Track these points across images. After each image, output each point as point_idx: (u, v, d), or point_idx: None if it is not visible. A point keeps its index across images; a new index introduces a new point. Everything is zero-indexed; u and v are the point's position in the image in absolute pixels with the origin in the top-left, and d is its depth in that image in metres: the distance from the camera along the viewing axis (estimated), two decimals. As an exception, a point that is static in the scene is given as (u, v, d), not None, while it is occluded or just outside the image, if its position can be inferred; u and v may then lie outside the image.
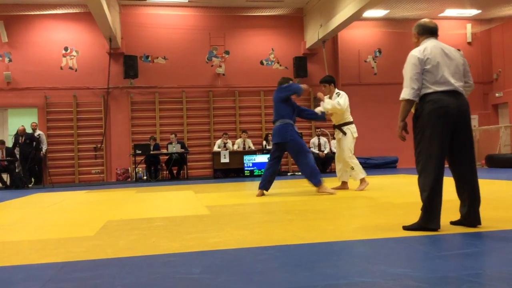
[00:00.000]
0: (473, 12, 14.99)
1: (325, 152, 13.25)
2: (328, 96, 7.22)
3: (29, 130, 12.52)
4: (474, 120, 15.92)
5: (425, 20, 3.74)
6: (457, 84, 3.42)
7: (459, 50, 3.62)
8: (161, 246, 3.24)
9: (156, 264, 2.73)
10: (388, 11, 14.37)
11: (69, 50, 13.67)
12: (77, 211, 5.96)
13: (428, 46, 3.50)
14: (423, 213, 3.43)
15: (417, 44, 3.65)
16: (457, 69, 3.47)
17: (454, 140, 3.43)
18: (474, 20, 15.82)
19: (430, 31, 3.63)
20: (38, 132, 12.61)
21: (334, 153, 8.97)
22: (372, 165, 14.43)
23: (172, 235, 3.66)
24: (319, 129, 13.71)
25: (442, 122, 3.35)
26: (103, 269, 2.66)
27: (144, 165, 13.11)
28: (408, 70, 3.46)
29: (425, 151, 3.41)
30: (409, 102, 3.47)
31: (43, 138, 12.72)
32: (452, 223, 3.61)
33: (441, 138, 3.36)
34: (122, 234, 3.81)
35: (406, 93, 3.45)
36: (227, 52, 14.50)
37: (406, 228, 3.48)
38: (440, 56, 3.44)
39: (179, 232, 3.81)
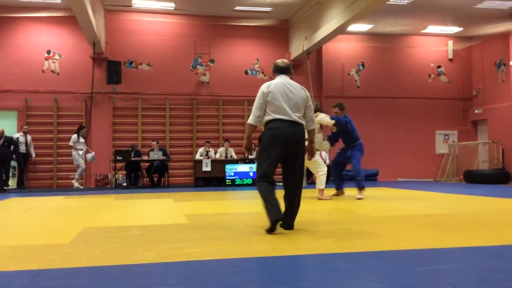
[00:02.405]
0: (454, 29, 15.29)
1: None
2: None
3: (12, 133, 12.40)
4: (453, 136, 16.18)
5: (278, 60, 4.50)
6: (294, 115, 4.16)
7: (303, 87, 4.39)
8: (137, 256, 3.21)
9: (131, 274, 2.69)
10: (372, 25, 14.58)
11: (51, 54, 13.53)
12: (54, 217, 5.88)
13: (274, 82, 4.30)
14: (265, 210, 4.11)
15: (273, 79, 4.43)
16: (296, 103, 4.21)
17: (286, 160, 4.20)
18: (456, 37, 16.13)
19: (280, 70, 4.42)
20: (16, 135, 12.40)
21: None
22: (352, 177, 14.49)
23: (149, 245, 3.62)
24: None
25: (276, 145, 4.13)
26: (76, 278, 2.62)
27: (124, 172, 12.99)
28: (256, 101, 4.28)
29: (261, 165, 4.21)
30: (252, 126, 4.28)
31: (22, 140, 12.48)
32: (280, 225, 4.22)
33: (273, 157, 4.15)
34: (99, 242, 3.76)
35: (250, 119, 4.26)
36: (212, 61, 14.52)
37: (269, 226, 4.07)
38: (283, 91, 4.20)
39: (156, 241, 3.78)
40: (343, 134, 8.16)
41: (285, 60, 4.51)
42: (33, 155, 12.78)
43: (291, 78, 4.42)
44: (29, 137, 12.57)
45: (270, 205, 4.04)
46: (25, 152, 12.36)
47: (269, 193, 4.09)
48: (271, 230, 4.04)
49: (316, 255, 3.22)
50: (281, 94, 4.18)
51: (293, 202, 4.22)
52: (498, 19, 13.73)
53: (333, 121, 7.79)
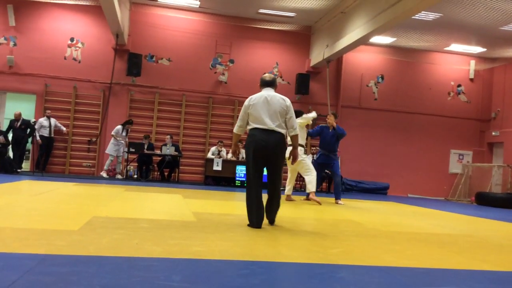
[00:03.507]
0: (478, 49, 15.15)
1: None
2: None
3: (30, 116, 12.54)
4: (468, 156, 16.00)
5: (266, 75, 5.12)
6: (271, 124, 4.73)
7: (284, 98, 4.90)
8: (144, 249, 3.22)
9: (137, 267, 2.71)
10: (395, 39, 14.50)
11: (74, 41, 13.67)
12: (64, 203, 5.93)
13: (257, 95, 4.89)
14: (247, 213, 4.77)
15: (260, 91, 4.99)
16: (275, 112, 4.77)
17: (266, 160, 4.79)
18: (478, 57, 15.99)
19: (266, 83, 5.01)
20: (41, 119, 12.54)
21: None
22: (363, 189, 14.44)
23: (156, 239, 3.64)
24: (314, 147, 13.73)
25: (253, 151, 4.73)
26: (83, 266, 2.64)
27: (136, 164, 13.08)
28: (240, 112, 4.94)
29: (248, 169, 4.83)
30: (236, 134, 5.04)
31: (46, 124, 12.59)
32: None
33: (254, 161, 4.75)
34: (106, 232, 3.79)
35: (235, 128, 5.01)
36: (231, 61, 14.56)
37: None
38: (262, 103, 4.79)
39: (163, 236, 3.80)
40: (336, 141, 8.98)
41: (272, 75, 5.15)
42: (64, 129, 13.12)
43: (275, 91, 4.97)
44: (53, 121, 12.71)
45: (249, 213, 4.75)
46: (48, 136, 12.49)
47: (251, 200, 4.73)
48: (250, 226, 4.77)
49: (321, 264, 3.20)
50: (261, 106, 4.77)
51: (272, 193, 4.82)
52: (523, 42, 13.59)
53: (312, 116, 8.58)
